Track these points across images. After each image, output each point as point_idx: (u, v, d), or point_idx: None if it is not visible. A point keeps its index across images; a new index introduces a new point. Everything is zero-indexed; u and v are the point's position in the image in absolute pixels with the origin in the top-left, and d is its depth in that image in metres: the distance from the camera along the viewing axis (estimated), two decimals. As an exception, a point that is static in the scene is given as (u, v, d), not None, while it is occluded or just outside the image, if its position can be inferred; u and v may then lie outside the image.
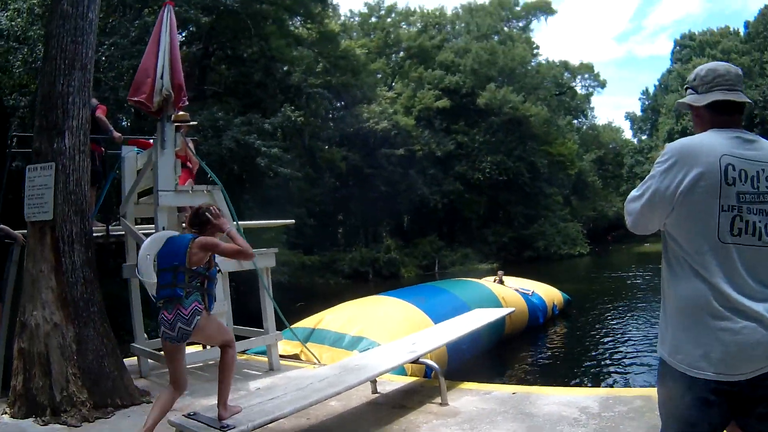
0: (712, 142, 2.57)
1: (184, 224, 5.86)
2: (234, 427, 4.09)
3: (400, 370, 7.56)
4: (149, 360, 7.65)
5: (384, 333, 9.82)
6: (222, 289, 7.22)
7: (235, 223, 7.02)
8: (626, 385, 10.15)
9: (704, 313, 2.50)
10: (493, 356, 12.63)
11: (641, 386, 9.59)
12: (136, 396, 6.33)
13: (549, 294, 17.51)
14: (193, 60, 32.77)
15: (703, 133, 2.67)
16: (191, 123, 8.02)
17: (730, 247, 2.49)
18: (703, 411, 2.54)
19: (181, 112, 7.49)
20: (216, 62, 34.92)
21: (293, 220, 11.31)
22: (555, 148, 55.93)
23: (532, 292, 16.37)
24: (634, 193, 2.81)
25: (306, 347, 9.17)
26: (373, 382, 6.28)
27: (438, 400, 6.02)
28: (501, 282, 17.12)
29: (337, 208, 45.99)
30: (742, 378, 2.45)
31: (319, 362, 8.76)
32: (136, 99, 6.91)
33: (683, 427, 2.62)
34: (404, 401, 6.16)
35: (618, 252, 57.14)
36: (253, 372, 7.85)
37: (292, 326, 9.82)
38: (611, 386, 9.64)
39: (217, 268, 4.81)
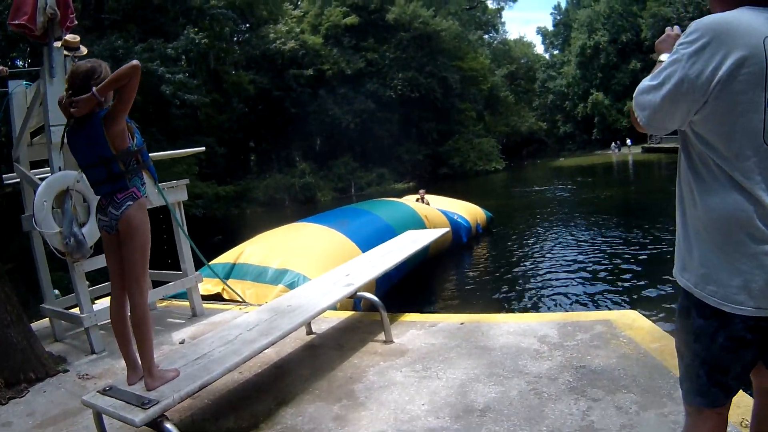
0: (751, 21, 1.94)
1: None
2: (157, 402, 3.41)
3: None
4: (62, 321, 6.84)
5: (309, 263, 9.33)
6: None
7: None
8: (573, 308, 9.86)
9: (743, 234, 1.96)
10: (421, 280, 12.23)
11: (592, 309, 9.35)
12: (50, 366, 5.53)
13: (471, 212, 17.21)
14: (89, -13, 31.05)
15: (734, 10, 1.99)
16: (82, 51, 6.99)
17: None
18: (738, 352, 2.08)
19: (70, 36, 6.54)
20: (112, -12, 32.98)
21: (203, 148, 10.48)
22: (467, 63, 56.01)
23: (458, 216, 16.00)
24: (648, 82, 2.17)
25: (227, 285, 8.54)
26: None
27: (381, 337, 5.46)
28: (423, 201, 16.74)
29: (247, 135, 45.26)
30: None
31: (244, 300, 8.22)
32: (16, 22, 5.91)
33: (713, 371, 2.15)
34: (344, 341, 5.58)
35: (533, 167, 57.96)
36: (176, 321, 7.16)
37: (211, 263, 9.20)
38: (564, 310, 9.30)
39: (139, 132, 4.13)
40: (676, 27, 2.45)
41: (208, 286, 8.92)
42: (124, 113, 3.77)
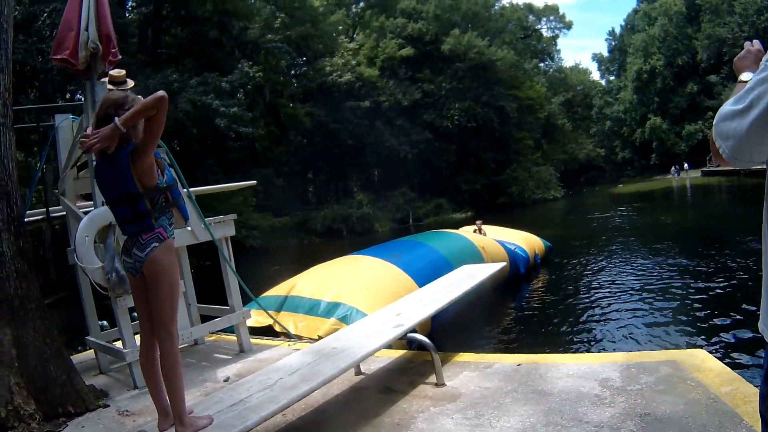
0: None
1: None
2: (187, 453, 3.22)
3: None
4: (107, 355, 6.74)
5: (362, 296, 9.13)
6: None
7: (185, 190, 6.09)
8: (635, 345, 9.41)
9: None
10: (477, 314, 11.89)
11: (655, 348, 8.92)
12: (90, 401, 5.40)
13: (530, 242, 16.84)
14: (145, 23, 31.77)
15: None
16: (129, 84, 6.90)
17: None
18: None
19: (115, 71, 6.47)
20: (169, 24, 33.75)
21: (254, 182, 10.41)
22: (523, 92, 55.94)
23: (516, 247, 15.66)
24: (730, 106, 1.78)
25: (277, 321, 8.38)
26: (356, 361, 5.43)
27: (433, 379, 5.18)
28: (480, 231, 16.44)
29: (305, 166, 45.54)
30: None
31: (292, 336, 8.05)
32: (59, 57, 5.86)
33: None
34: (393, 383, 5.31)
35: (591, 194, 57.15)
36: (222, 356, 7.00)
37: (263, 295, 9.06)
38: (626, 350, 8.85)
39: (171, 169, 3.93)
40: (756, 41, 2.12)
41: (259, 318, 8.78)
42: (152, 147, 3.58)
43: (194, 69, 31.26)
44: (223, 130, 29.88)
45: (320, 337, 7.29)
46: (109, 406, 5.45)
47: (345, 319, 8.44)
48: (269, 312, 8.54)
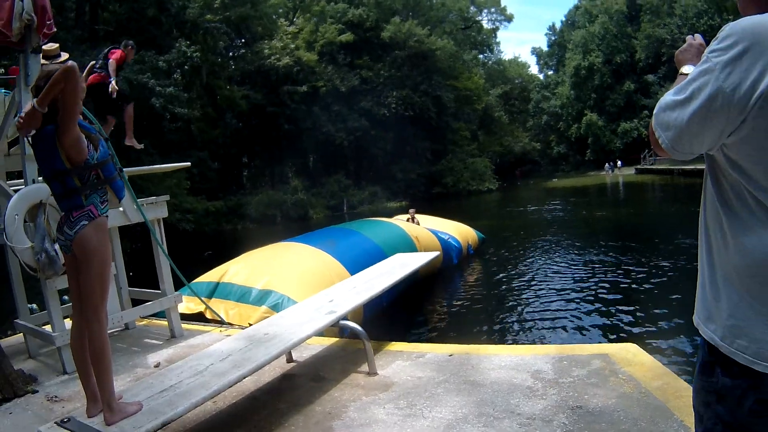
0: None
1: None
2: (115, 438, 3.12)
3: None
4: (36, 339, 6.55)
5: (294, 285, 9.05)
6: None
7: (119, 167, 5.93)
8: (568, 338, 9.51)
9: None
10: (409, 304, 11.93)
11: (588, 341, 9.03)
12: (19, 386, 5.25)
13: (463, 233, 16.89)
14: (84, -2, 30.93)
15: None
16: (63, 57, 6.69)
17: None
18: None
19: (50, 44, 6.27)
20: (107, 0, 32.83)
21: (188, 163, 10.18)
22: (461, 82, 56.17)
23: (449, 237, 15.72)
24: (671, 96, 1.79)
25: (209, 306, 8.28)
26: (287, 348, 5.37)
27: (365, 368, 5.17)
28: (413, 220, 16.46)
29: (241, 150, 45.16)
30: None
31: (224, 322, 7.98)
32: (-8, 29, 5.64)
33: None
34: (325, 371, 5.27)
35: (526, 187, 57.81)
36: (153, 341, 6.88)
37: (195, 281, 8.94)
38: (559, 343, 8.92)
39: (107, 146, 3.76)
40: (698, 35, 2.12)
41: (190, 304, 8.71)
42: (71, 121, 3.45)
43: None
44: (158, 110, 29.40)
45: (251, 325, 7.25)
46: (37, 391, 5.33)
47: (276, 307, 8.35)
48: (201, 298, 8.44)
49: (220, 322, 7.86)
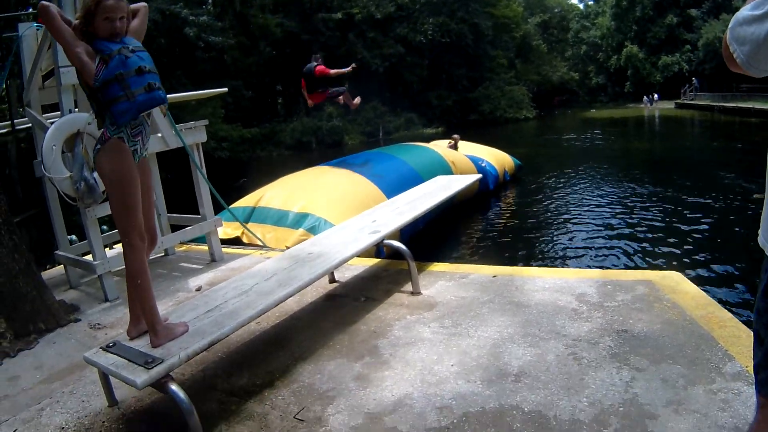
0: None
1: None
2: (162, 361, 3.09)
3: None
4: (77, 269, 6.59)
5: (330, 208, 9.12)
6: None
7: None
8: (611, 264, 9.44)
9: None
10: (447, 228, 11.90)
11: (631, 267, 8.96)
12: (61, 316, 5.31)
13: (499, 159, 16.76)
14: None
15: None
16: None
17: None
18: None
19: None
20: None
21: (225, 89, 10.11)
22: (499, 10, 55.04)
23: (485, 163, 15.57)
24: (748, 11, 1.67)
25: (247, 228, 8.30)
26: (330, 269, 5.35)
27: (409, 287, 5.15)
28: (455, 147, 16.29)
29: (275, 78, 44.86)
30: None
31: (264, 245, 8.01)
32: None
33: None
34: (369, 291, 5.26)
35: (564, 117, 57.00)
36: (194, 266, 6.93)
37: (231, 206, 8.95)
38: (601, 268, 8.84)
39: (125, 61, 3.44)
40: None
41: (228, 230, 8.78)
42: (65, 46, 3.34)
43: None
44: (192, 39, 29.27)
45: (288, 248, 7.26)
46: (80, 320, 5.38)
47: (313, 230, 8.42)
48: (241, 222, 8.47)
49: (260, 246, 7.89)
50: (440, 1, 48.83)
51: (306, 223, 8.72)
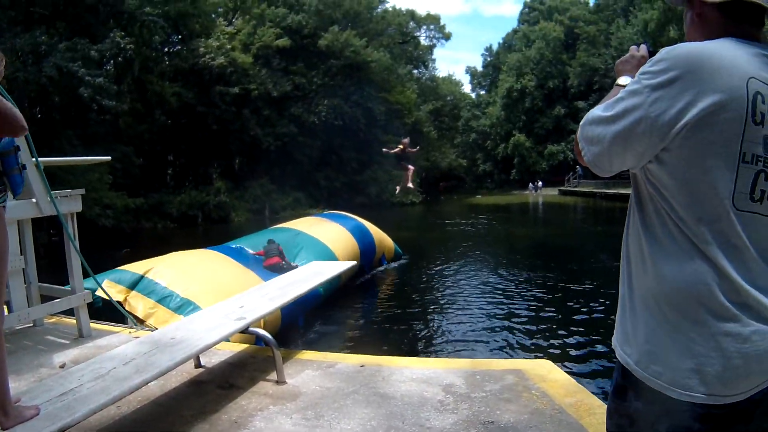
0: (735, 57, 1.62)
1: None
2: (6, 445, 2.99)
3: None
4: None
5: (215, 298, 8.89)
6: (17, 242, 6.07)
7: (34, 159, 5.71)
8: (482, 354, 9.52)
9: (703, 310, 1.64)
10: (328, 313, 11.89)
11: (502, 357, 9.10)
12: None
13: (381, 240, 17.09)
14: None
15: (715, 42, 1.67)
16: None
17: (746, 216, 1.63)
18: None
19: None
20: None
21: (109, 158, 9.90)
22: (393, 96, 56.62)
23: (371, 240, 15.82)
24: (599, 112, 1.81)
25: (121, 308, 8.10)
26: (196, 354, 5.24)
27: (273, 376, 5.10)
28: (404, 153, 17.28)
29: (167, 148, 44.53)
30: (740, 398, 1.66)
31: (139, 321, 7.89)
32: None
33: None
34: (233, 378, 5.17)
35: (450, 202, 58.40)
36: (61, 340, 6.61)
37: (121, 267, 8.77)
38: (471, 357, 8.95)
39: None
40: (642, 46, 2.16)
41: (113, 291, 8.54)
42: None
43: (65, 33, 29.98)
44: (86, 100, 28.80)
45: (152, 328, 7.16)
46: None
47: None
48: (111, 299, 8.29)
49: (128, 326, 7.69)
50: (336, 83, 49.88)
51: (188, 312, 8.51)
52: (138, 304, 8.33)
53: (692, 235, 1.65)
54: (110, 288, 8.40)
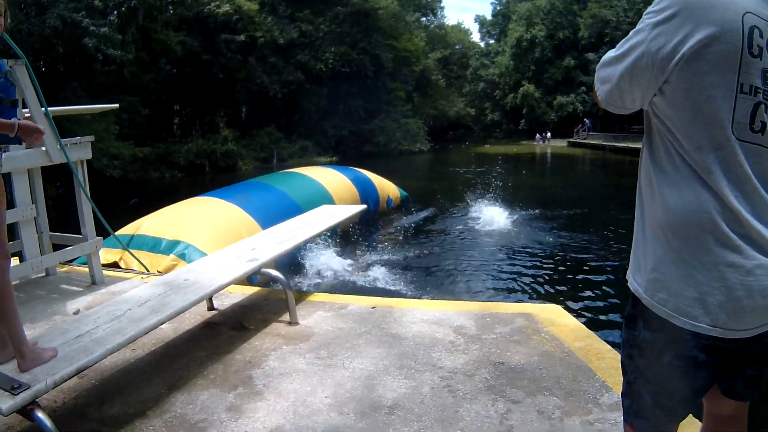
0: None
1: None
2: (28, 387, 2.98)
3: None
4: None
5: (201, 235, 9.34)
6: (27, 191, 6.01)
7: (43, 108, 5.67)
8: (491, 297, 9.55)
9: (702, 238, 1.66)
10: (336, 258, 11.90)
11: (511, 301, 9.12)
12: None
13: (383, 186, 17.11)
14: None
15: None
16: None
17: (746, 147, 1.65)
18: (688, 374, 1.77)
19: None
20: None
21: (117, 105, 9.87)
22: (401, 43, 55.93)
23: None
24: (611, 53, 1.88)
25: (129, 251, 8.20)
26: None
27: (286, 317, 5.14)
28: None
29: (172, 97, 44.26)
30: (746, 335, 1.67)
31: (148, 270, 7.85)
32: None
33: (658, 392, 1.85)
34: (246, 320, 5.21)
35: (458, 151, 58.05)
36: (73, 288, 6.64)
37: (116, 233, 8.80)
38: (481, 300, 8.99)
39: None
40: None
41: (107, 255, 8.56)
42: None
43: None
44: (90, 50, 28.52)
45: (160, 273, 7.28)
46: None
47: (183, 256, 8.60)
48: (123, 245, 8.38)
49: (140, 272, 7.73)
50: (343, 30, 49.32)
51: (177, 250, 8.87)
52: (132, 260, 8.43)
53: (694, 164, 1.68)
54: (105, 252, 8.45)
